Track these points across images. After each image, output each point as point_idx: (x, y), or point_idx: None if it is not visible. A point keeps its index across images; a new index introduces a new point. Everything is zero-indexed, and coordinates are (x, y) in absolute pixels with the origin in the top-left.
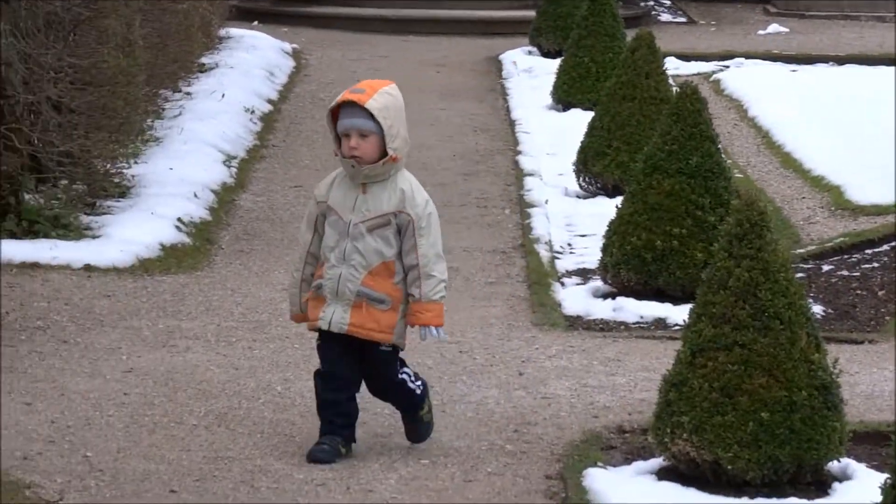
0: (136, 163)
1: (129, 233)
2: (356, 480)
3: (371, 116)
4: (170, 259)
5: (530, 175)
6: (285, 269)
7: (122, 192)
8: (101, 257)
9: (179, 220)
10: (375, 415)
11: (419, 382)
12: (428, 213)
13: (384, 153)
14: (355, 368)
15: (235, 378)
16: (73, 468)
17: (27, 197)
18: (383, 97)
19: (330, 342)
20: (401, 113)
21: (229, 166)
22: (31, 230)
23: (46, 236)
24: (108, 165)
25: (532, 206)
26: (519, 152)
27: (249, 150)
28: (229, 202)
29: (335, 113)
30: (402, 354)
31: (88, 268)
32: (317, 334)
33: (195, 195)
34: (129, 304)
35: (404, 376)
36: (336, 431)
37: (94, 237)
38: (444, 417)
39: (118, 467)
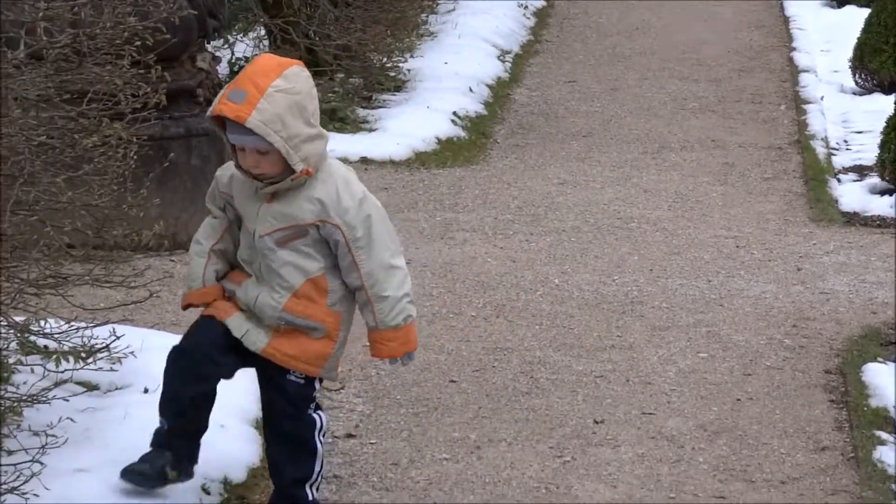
0: (411, 57)
1: (405, 126)
2: (635, 373)
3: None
4: (445, 152)
5: (805, 71)
6: (560, 163)
7: (398, 85)
8: (378, 150)
9: (455, 113)
10: (654, 308)
11: (321, 441)
12: (365, 216)
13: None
14: (233, 365)
15: (513, 270)
16: (353, 357)
17: None
18: (272, 102)
19: (217, 328)
20: (300, 106)
21: (503, 61)
22: None
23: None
24: (385, 59)
25: (807, 102)
26: (793, 49)
27: (523, 44)
28: (504, 96)
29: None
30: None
31: (365, 160)
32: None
33: (470, 90)
34: (406, 197)
35: (317, 418)
36: (170, 444)
37: (370, 130)
38: (721, 311)
39: None
